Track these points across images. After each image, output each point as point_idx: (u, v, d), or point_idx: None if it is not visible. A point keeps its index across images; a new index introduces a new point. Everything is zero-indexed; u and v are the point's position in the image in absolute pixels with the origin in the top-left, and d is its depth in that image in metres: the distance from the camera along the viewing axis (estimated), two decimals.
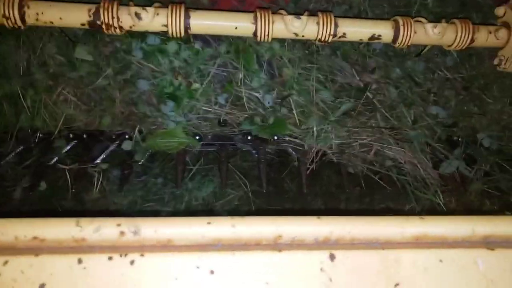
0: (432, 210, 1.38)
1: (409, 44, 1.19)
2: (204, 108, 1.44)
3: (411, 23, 1.18)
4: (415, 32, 1.18)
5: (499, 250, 0.64)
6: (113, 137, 1.38)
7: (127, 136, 1.38)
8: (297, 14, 1.24)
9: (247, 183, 1.45)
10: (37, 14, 0.96)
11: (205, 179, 1.50)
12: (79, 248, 0.63)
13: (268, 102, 1.46)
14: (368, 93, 1.38)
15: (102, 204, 1.30)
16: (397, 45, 1.20)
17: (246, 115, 1.48)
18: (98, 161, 1.36)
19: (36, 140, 1.34)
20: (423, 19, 1.23)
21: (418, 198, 1.40)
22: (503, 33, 1.26)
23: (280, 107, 1.47)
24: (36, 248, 0.62)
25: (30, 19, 0.96)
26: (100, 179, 1.33)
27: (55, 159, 1.35)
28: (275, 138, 1.48)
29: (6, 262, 0.60)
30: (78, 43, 1.28)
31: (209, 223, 0.60)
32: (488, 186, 1.47)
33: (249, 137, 1.49)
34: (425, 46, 1.39)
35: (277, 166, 1.52)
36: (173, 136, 1.40)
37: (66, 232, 0.62)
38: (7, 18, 0.94)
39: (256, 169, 1.51)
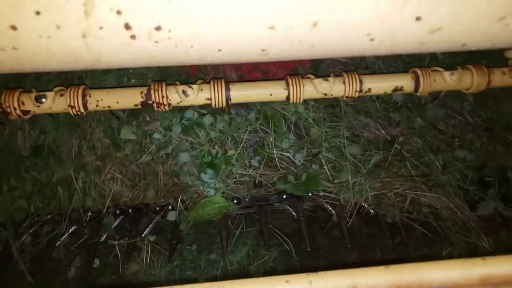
0: (476, 253, 1.38)
1: (429, 92, 1.28)
2: (240, 172, 1.52)
3: (429, 72, 1.27)
4: (434, 80, 1.27)
5: None
6: (158, 209, 1.45)
7: (170, 207, 1.45)
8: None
9: (289, 242, 1.48)
10: (97, 101, 1.09)
11: (246, 242, 1.54)
12: None
13: (299, 161, 1.54)
14: (396, 145, 1.45)
15: (154, 274, 1.34)
16: (418, 93, 1.28)
17: (280, 175, 1.55)
18: (145, 233, 1.42)
19: (87, 218, 1.41)
20: (439, 68, 1.32)
21: (461, 242, 1.41)
22: None
23: (311, 164, 1.54)
24: None
25: (92, 106, 1.09)
26: (149, 251, 1.38)
27: (105, 236, 1.41)
28: (310, 194, 1.53)
29: None
30: (123, 125, 1.40)
31: (287, 281, 0.65)
32: None
33: (284, 196, 1.55)
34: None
35: (315, 222, 1.56)
36: (213, 203, 1.47)
37: None
38: (72, 107, 1.07)
39: (295, 228, 1.55)
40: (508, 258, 0.70)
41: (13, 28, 0.60)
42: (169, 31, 0.60)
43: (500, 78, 1.34)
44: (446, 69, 1.46)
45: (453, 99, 1.55)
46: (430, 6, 0.62)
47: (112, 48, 0.61)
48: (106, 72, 1.45)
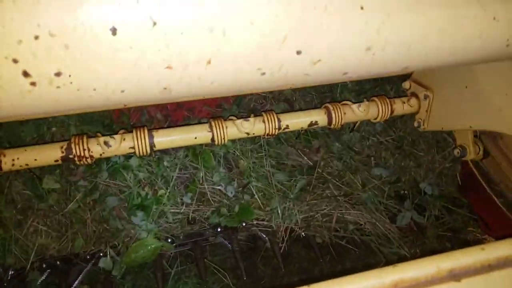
0: (399, 261, 1.48)
1: (342, 124, 1.39)
2: (172, 210, 1.52)
3: (339, 106, 1.38)
4: (344, 113, 1.38)
5: (464, 280, 0.74)
6: (88, 257, 1.40)
7: (102, 254, 1.41)
8: (242, 113, 1.43)
9: (226, 275, 1.48)
10: (13, 160, 1.04)
11: (187, 282, 1.51)
12: None
13: (231, 192, 1.58)
14: (318, 169, 1.55)
15: None
16: (332, 126, 1.39)
17: (213, 209, 1.57)
18: (75, 284, 1.35)
19: (9, 278, 1.32)
20: (348, 102, 1.45)
21: (385, 253, 1.51)
22: (414, 101, 1.50)
23: (242, 194, 1.58)
24: None
25: (7, 166, 1.04)
26: None
27: None
28: (244, 224, 1.57)
29: None
30: (45, 175, 1.36)
31: None
32: (442, 229, 1.62)
33: (219, 229, 1.56)
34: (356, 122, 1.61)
35: (251, 251, 1.58)
36: (146, 245, 1.44)
37: None
38: None
39: (231, 259, 1.56)
40: (415, 262, 0.78)
41: None
42: (70, 76, 0.63)
43: (401, 106, 1.50)
44: (357, 95, 1.62)
45: (365, 122, 1.70)
46: (306, 41, 0.71)
47: (12, 95, 0.61)
48: (23, 122, 1.41)
